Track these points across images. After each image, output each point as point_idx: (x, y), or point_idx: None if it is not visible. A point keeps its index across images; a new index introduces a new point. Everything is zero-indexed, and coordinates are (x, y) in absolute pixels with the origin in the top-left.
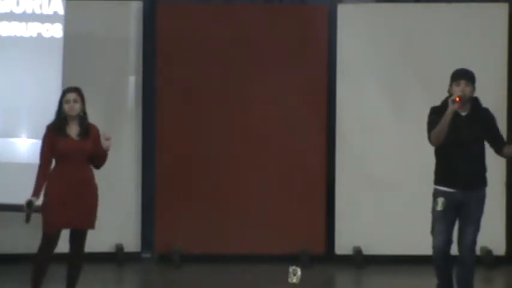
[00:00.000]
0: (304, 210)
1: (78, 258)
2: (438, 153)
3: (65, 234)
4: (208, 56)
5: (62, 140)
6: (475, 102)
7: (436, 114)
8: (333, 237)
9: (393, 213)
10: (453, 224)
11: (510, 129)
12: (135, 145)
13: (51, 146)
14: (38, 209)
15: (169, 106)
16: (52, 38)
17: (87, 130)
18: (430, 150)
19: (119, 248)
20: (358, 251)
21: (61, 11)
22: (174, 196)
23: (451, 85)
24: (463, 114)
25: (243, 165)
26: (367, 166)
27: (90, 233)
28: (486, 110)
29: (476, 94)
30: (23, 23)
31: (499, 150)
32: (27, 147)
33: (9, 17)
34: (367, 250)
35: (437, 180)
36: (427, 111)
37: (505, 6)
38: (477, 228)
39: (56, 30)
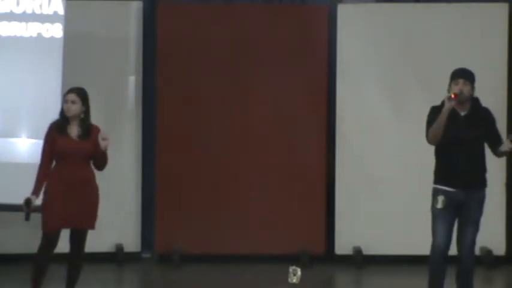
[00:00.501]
0: (304, 210)
1: (78, 258)
2: (438, 153)
3: (65, 234)
4: (208, 56)
5: (62, 139)
6: (475, 102)
7: (435, 113)
8: (333, 237)
9: (393, 213)
10: (453, 224)
11: (510, 129)
12: (135, 145)
13: (52, 144)
14: (37, 209)
15: (169, 106)
16: (52, 38)
17: (88, 131)
18: (430, 150)
19: (119, 248)
20: (358, 251)
21: (61, 11)
22: (174, 196)
23: (450, 84)
24: (463, 114)
25: (243, 165)
26: (367, 166)
27: (90, 233)
28: (486, 110)
29: (476, 94)
30: (23, 23)
31: (495, 151)
32: (27, 147)
33: (9, 17)
34: (367, 250)
35: (438, 180)
36: (427, 111)
37: (505, 6)
38: (476, 229)
39: (56, 30)
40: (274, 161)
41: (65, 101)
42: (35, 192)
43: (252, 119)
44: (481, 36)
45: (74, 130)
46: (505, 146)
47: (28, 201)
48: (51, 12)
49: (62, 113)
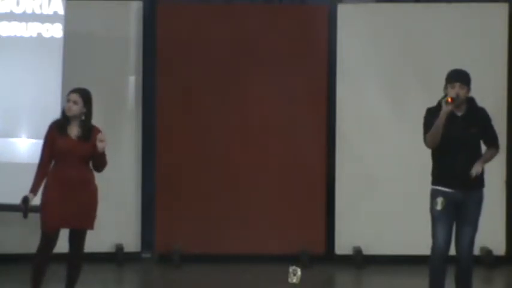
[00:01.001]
0: (304, 210)
1: (77, 258)
2: (435, 154)
3: (64, 234)
4: (208, 56)
5: (61, 139)
6: (470, 102)
7: (431, 115)
8: (333, 237)
9: (393, 213)
10: (452, 225)
11: (510, 129)
12: (135, 145)
13: (52, 144)
14: (35, 209)
15: (169, 106)
16: (52, 38)
17: (89, 133)
18: (430, 150)
19: (119, 248)
20: (358, 251)
21: (61, 11)
22: (174, 196)
23: (446, 86)
24: (459, 114)
25: (243, 165)
26: (367, 166)
27: (90, 233)
28: (482, 110)
29: (476, 94)
30: (23, 23)
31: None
32: (27, 147)
33: (9, 17)
34: (367, 250)
35: (435, 181)
36: None
37: (505, 6)
38: (475, 229)
39: (56, 30)
40: (274, 161)
41: (67, 100)
42: (33, 190)
43: (252, 119)
44: (481, 36)
45: (74, 130)
46: (474, 170)
47: (26, 199)
48: (51, 12)
49: (63, 113)
